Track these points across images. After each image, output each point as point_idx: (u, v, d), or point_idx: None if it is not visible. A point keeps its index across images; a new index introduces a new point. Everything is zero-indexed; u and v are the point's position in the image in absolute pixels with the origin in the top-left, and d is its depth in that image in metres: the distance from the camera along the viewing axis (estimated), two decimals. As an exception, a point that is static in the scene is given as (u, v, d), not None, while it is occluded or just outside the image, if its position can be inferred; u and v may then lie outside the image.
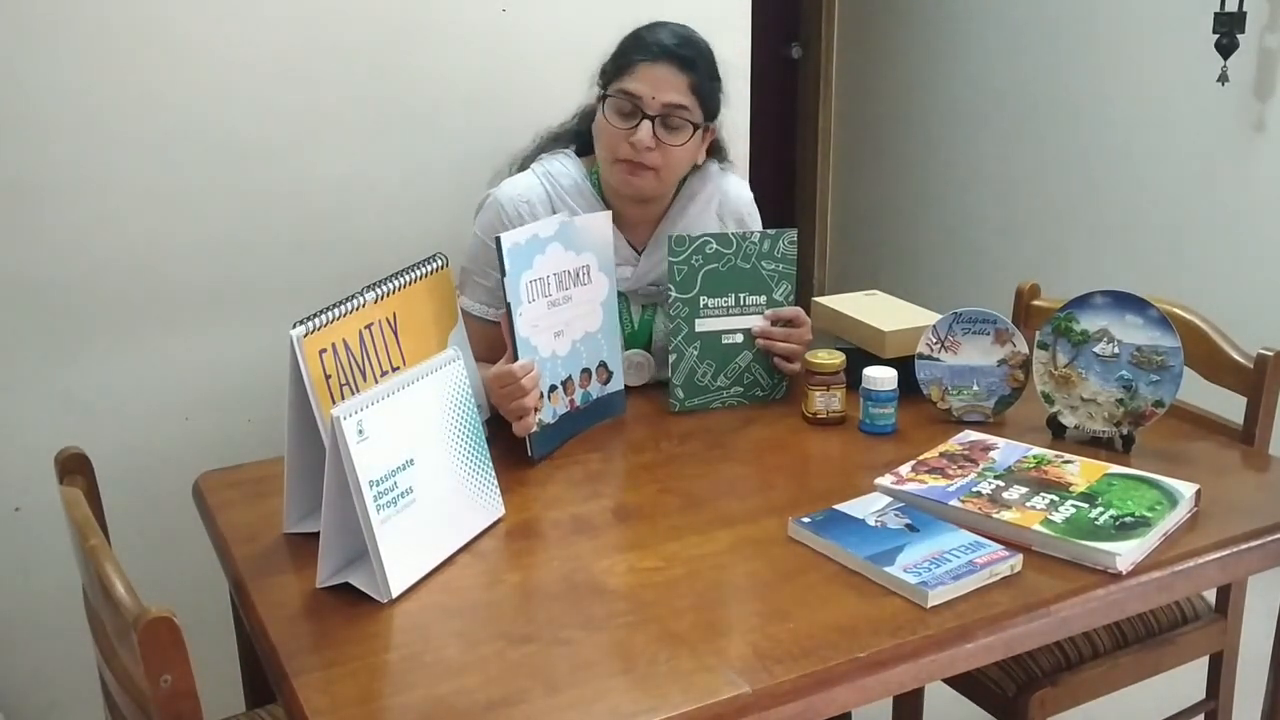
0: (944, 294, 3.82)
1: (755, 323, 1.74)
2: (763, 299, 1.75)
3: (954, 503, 1.38)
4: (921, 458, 1.52)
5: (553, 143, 1.82)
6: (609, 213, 1.73)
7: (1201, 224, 3.12)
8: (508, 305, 1.54)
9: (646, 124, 1.66)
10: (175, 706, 0.98)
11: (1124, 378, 1.58)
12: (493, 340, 1.65)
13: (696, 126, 1.70)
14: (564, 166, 1.77)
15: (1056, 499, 1.38)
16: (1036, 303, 1.99)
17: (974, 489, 1.42)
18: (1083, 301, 1.61)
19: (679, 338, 1.70)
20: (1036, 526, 1.31)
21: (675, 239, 1.67)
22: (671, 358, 1.70)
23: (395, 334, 1.41)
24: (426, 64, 2.00)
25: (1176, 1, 3.06)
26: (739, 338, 1.74)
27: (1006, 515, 1.34)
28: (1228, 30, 2.85)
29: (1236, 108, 2.96)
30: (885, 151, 4.39)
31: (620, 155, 1.68)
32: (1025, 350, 1.67)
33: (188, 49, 1.82)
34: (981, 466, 1.49)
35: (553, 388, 1.63)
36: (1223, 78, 2.88)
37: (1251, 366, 1.68)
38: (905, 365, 1.68)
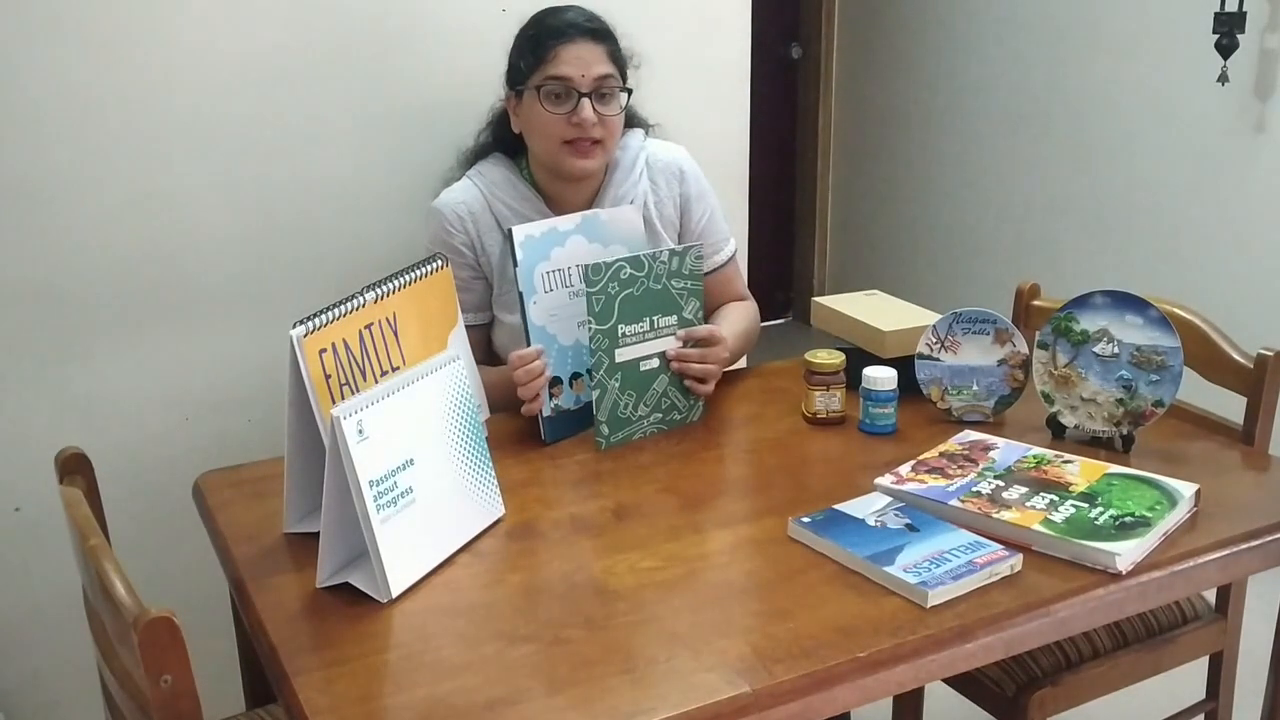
0: (944, 294, 3.82)
1: (669, 345, 1.67)
2: (674, 319, 1.66)
3: (954, 503, 1.38)
4: (921, 458, 1.52)
5: (475, 158, 1.86)
6: (637, 206, 1.79)
7: (1201, 224, 3.12)
8: (520, 294, 1.60)
9: (585, 101, 1.70)
10: (175, 706, 0.98)
11: (1124, 378, 1.58)
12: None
13: (625, 91, 1.76)
14: (495, 167, 1.83)
15: (1056, 499, 1.38)
16: (1036, 303, 1.99)
17: (974, 489, 1.42)
18: (1082, 301, 1.61)
19: (600, 371, 1.60)
20: (1036, 526, 1.31)
21: (591, 268, 1.57)
22: (595, 394, 1.60)
23: (395, 334, 1.41)
24: (427, 64, 2.00)
25: (1176, 1, 3.06)
26: (655, 362, 1.65)
27: (1006, 515, 1.34)
28: (1228, 30, 2.85)
29: (1236, 108, 2.96)
30: (885, 151, 4.39)
31: (566, 137, 1.71)
32: (1025, 350, 1.67)
33: (188, 50, 1.82)
34: (981, 466, 1.49)
35: (576, 375, 1.66)
36: (1223, 78, 2.89)
37: (1251, 366, 1.68)
38: (905, 365, 1.68)
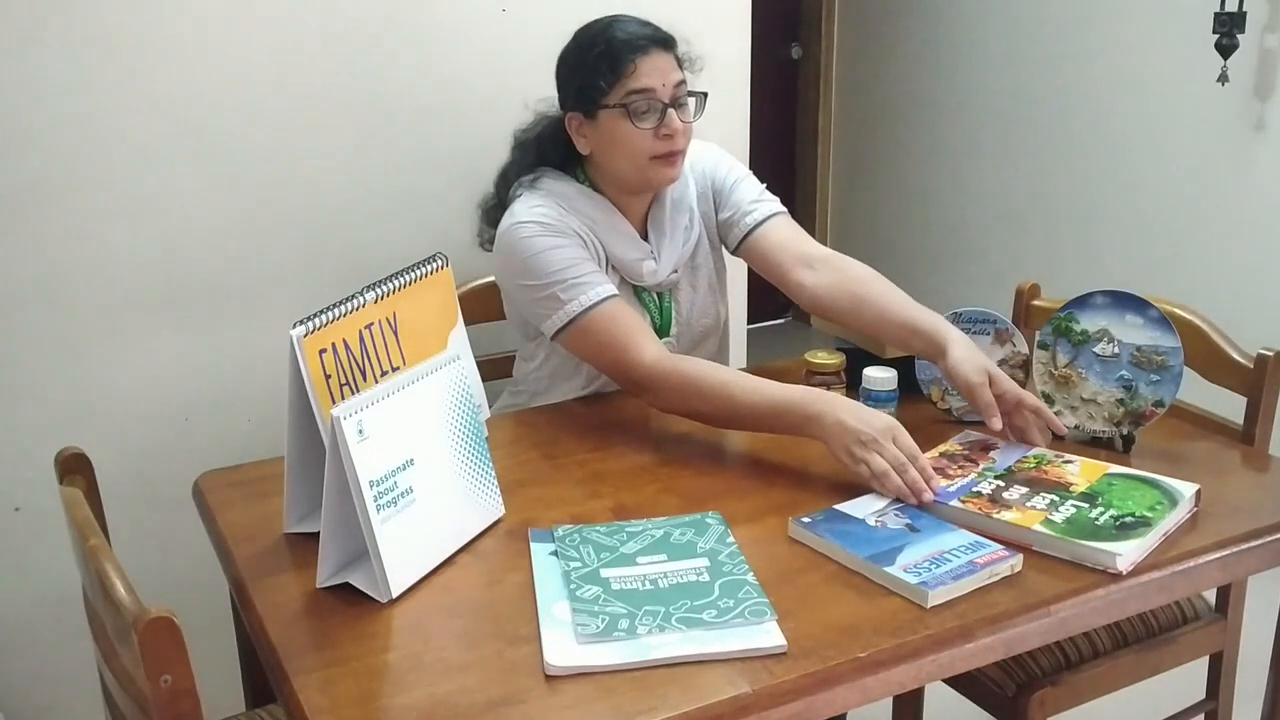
0: (944, 294, 3.82)
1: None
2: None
3: (954, 503, 1.38)
4: (921, 458, 1.52)
5: (517, 174, 1.79)
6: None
7: (1201, 224, 3.12)
8: None
9: (671, 112, 1.66)
10: (175, 706, 0.98)
11: (1124, 378, 1.58)
12: (634, 308, 1.73)
13: (701, 95, 1.72)
14: (556, 183, 1.76)
15: (1056, 499, 1.38)
16: (1036, 303, 1.99)
17: (974, 489, 1.42)
18: (1083, 301, 1.61)
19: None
20: (1037, 526, 1.31)
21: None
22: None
23: (395, 334, 1.41)
24: (427, 64, 2.00)
25: (1176, 1, 3.06)
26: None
27: (1007, 515, 1.34)
28: (1228, 30, 2.85)
29: (1236, 108, 2.96)
30: (885, 151, 4.39)
31: (657, 152, 1.67)
32: (1025, 350, 1.67)
33: (187, 51, 1.82)
34: (981, 466, 1.49)
35: None
36: (1223, 78, 2.89)
37: (1251, 366, 1.68)
38: (905, 365, 1.68)
